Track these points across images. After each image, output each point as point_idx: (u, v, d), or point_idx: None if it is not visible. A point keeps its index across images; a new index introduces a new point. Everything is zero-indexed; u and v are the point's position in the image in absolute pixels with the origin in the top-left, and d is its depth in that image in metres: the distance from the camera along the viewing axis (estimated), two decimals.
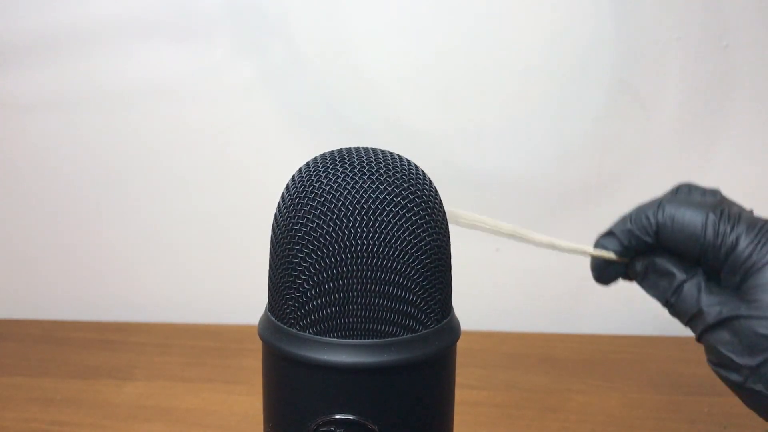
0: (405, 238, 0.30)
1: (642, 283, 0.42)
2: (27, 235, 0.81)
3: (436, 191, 0.33)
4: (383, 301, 0.30)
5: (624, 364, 0.70)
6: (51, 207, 0.80)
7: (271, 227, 0.33)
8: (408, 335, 0.31)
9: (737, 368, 0.36)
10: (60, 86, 0.77)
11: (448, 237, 0.33)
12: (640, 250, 0.41)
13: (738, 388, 0.37)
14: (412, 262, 0.30)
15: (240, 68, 0.75)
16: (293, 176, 0.32)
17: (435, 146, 0.76)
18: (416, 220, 0.30)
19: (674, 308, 0.40)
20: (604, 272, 0.44)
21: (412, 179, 0.31)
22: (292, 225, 0.31)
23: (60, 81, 0.76)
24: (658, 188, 0.79)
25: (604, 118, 0.75)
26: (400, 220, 0.30)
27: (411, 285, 0.30)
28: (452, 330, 0.33)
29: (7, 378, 0.67)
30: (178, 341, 0.75)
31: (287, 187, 0.32)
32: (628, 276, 0.44)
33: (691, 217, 0.39)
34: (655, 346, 0.73)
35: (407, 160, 0.33)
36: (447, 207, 0.34)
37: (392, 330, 0.30)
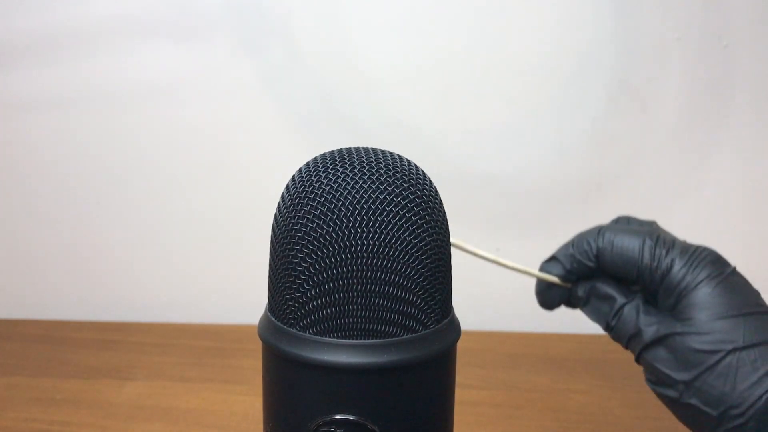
0: (405, 238, 0.30)
1: (584, 308, 0.44)
2: (27, 235, 0.81)
3: (437, 191, 0.33)
4: (383, 302, 0.30)
5: (624, 364, 0.70)
6: (51, 207, 0.80)
7: (271, 227, 0.33)
8: (408, 335, 0.31)
9: (673, 384, 0.38)
10: (60, 86, 0.77)
11: (449, 237, 0.33)
12: (582, 274, 0.44)
13: (674, 404, 0.39)
14: (413, 262, 0.30)
15: (240, 68, 0.75)
16: (293, 176, 0.32)
17: (435, 146, 0.76)
18: (416, 221, 0.30)
19: (615, 331, 0.42)
20: (547, 296, 0.45)
21: (412, 179, 0.31)
22: (292, 225, 0.31)
23: (60, 81, 0.76)
24: (658, 188, 0.80)
25: (604, 118, 0.75)
26: (400, 220, 0.30)
27: (411, 285, 0.30)
28: (452, 330, 0.33)
29: (7, 378, 0.67)
30: (178, 341, 0.75)
31: (287, 188, 0.32)
32: (571, 302, 0.46)
33: (629, 242, 0.41)
34: None
35: (407, 160, 0.33)
36: None
37: (392, 330, 0.30)
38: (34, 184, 0.80)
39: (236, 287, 0.80)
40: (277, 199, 0.33)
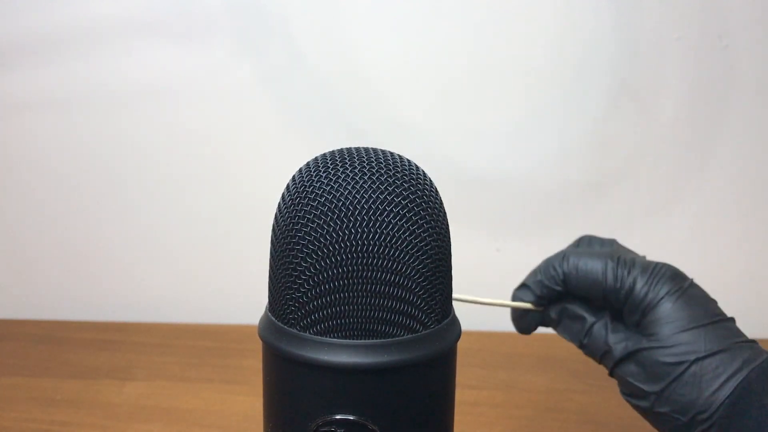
0: (405, 238, 0.30)
1: (557, 328, 0.47)
2: (27, 235, 0.81)
3: (437, 191, 0.33)
4: (384, 302, 0.30)
5: None
6: (51, 207, 0.80)
7: (271, 227, 0.33)
8: (408, 335, 0.31)
9: (645, 395, 0.41)
10: (60, 86, 0.77)
11: (449, 237, 0.33)
12: (552, 298, 0.46)
13: (647, 413, 0.42)
14: (413, 262, 0.30)
15: (240, 68, 0.75)
16: (293, 176, 0.32)
17: (435, 146, 0.76)
18: (417, 221, 0.30)
19: (587, 348, 0.45)
20: (523, 321, 0.48)
21: (413, 179, 0.31)
22: (293, 225, 0.31)
23: (60, 81, 0.76)
24: (658, 188, 0.79)
25: (604, 118, 0.75)
26: (400, 220, 0.30)
27: (411, 285, 0.30)
28: (452, 330, 0.33)
29: (7, 378, 0.67)
30: (178, 341, 0.75)
31: (287, 188, 0.32)
32: (545, 323, 0.48)
33: (592, 266, 0.43)
34: None
35: (408, 160, 0.33)
36: None
37: (393, 330, 0.30)
38: (34, 184, 0.80)
39: (236, 287, 0.80)
40: (277, 199, 0.33)
